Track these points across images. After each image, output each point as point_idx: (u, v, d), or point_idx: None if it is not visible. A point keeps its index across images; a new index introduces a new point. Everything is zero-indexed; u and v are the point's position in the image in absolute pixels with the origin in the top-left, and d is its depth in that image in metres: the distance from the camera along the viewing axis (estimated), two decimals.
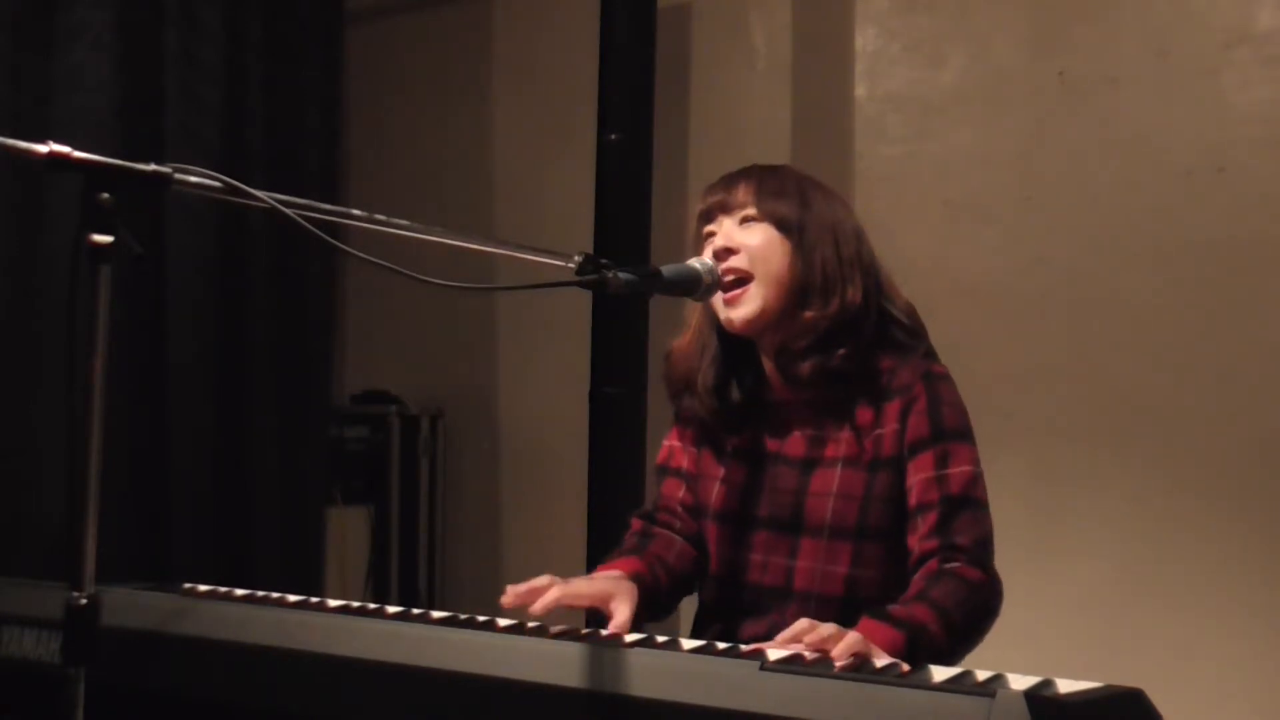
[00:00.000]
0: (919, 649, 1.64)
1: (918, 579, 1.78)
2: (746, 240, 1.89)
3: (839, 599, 1.85)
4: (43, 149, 1.40)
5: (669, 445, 2.10)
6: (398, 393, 4.54)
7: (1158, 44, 3.39)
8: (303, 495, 4.12)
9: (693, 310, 2.03)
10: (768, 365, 1.97)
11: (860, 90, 3.81)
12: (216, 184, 1.54)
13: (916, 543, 1.82)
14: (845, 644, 1.50)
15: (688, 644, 1.60)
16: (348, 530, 4.35)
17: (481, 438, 4.55)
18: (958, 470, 1.82)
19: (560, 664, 1.49)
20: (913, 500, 1.83)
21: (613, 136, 3.72)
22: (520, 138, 4.53)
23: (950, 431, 1.85)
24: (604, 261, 1.72)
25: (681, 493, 2.05)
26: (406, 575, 4.43)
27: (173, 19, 3.76)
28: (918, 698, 1.28)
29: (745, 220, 1.91)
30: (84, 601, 1.39)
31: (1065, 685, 1.33)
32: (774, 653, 1.50)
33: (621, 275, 1.68)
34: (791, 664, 1.43)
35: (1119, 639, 3.33)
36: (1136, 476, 3.37)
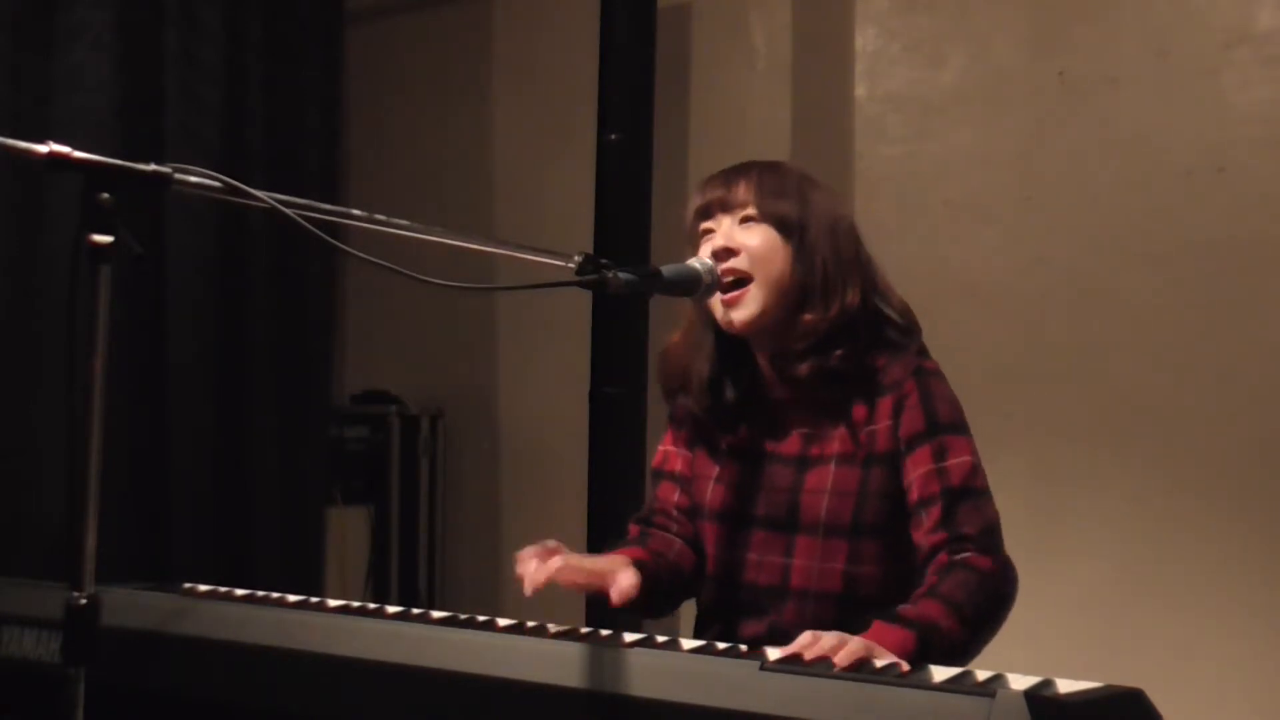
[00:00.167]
0: (932, 646, 1.63)
1: (929, 575, 1.77)
2: (746, 241, 1.89)
3: (836, 595, 1.85)
4: (43, 149, 1.40)
5: (663, 450, 2.10)
6: (398, 393, 4.54)
7: (1158, 44, 3.39)
8: (303, 495, 4.12)
9: (686, 307, 2.03)
10: (763, 364, 1.96)
11: (860, 90, 3.81)
12: (216, 184, 1.54)
13: (923, 537, 1.80)
14: (847, 652, 1.49)
15: (688, 644, 1.60)
16: (348, 530, 4.35)
17: (481, 438, 4.55)
18: (956, 462, 1.82)
19: (560, 664, 1.49)
20: (914, 496, 1.82)
21: (613, 136, 3.72)
22: (520, 138, 4.53)
23: (945, 424, 1.84)
24: (604, 261, 1.72)
25: (676, 496, 2.05)
26: (406, 575, 4.43)
27: (173, 19, 3.76)
28: (918, 698, 1.28)
29: (745, 220, 1.90)
30: (84, 601, 1.39)
31: (1065, 685, 1.33)
32: (774, 652, 1.50)
33: (621, 275, 1.68)
34: (791, 664, 1.43)
35: (1119, 639, 3.33)
36: (1136, 476, 3.37)
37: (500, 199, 4.56)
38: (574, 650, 1.50)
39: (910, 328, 1.95)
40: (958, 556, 1.76)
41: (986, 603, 1.72)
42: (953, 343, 3.53)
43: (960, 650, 1.68)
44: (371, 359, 4.77)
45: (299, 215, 1.59)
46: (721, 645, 1.59)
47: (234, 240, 3.93)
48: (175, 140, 3.73)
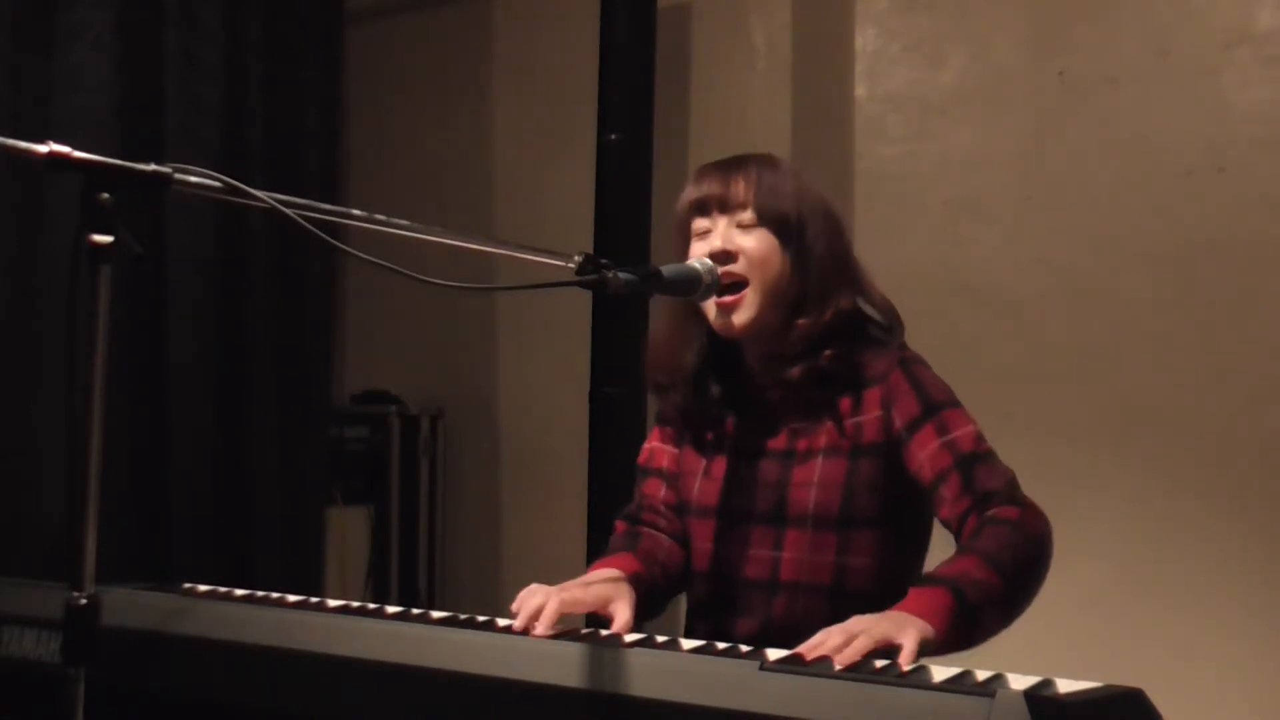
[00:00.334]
0: (968, 599, 1.61)
1: (964, 539, 1.76)
2: (745, 245, 1.88)
3: (827, 588, 1.85)
4: (43, 149, 1.40)
5: (649, 446, 2.10)
6: (398, 393, 4.54)
7: (1158, 44, 3.39)
8: (303, 495, 4.12)
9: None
10: (752, 364, 1.96)
11: (860, 90, 3.81)
12: (216, 184, 1.54)
13: (949, 510, 1.79)
14: (855, 648, 1.48)
15: (687, 644, 1.60)
16: (348, 530, 4.35)
17: (481, 438, 4.55)
18: (961, 433, 1.82)
19: (560, 664, 1.49)
20: (927, 475, 1.81)
21: (613, 136, 3.72)
22: (520, 138, 4.53)
23: (940, 402, 1.85)
24: (604, 261, 1.72)
25: (663, 492, 2.05)
26: (406, 575, 4.43)
27: (173, 19, 3.76)
28: (918, 697, 1.28)
29: (743, 223, 1.90)
30: (84, 601, 1.39)
31: (1065, 685, 1.33)
32: (773, 652, 1.50)
33: (621, 275, 1.68)
34: (791, 664, 1.43)
35: (1119, 639, 3.33)
36: (1136, 476, 3.37)
37: (500, 199, 4.56)
38: (574, 650, 1.50)
39: (893, 324, 1.96)
40: (987, 514, 1.75)
41: (1023, 548, 1.72)
42: (953, 343, 3.55)
43: (1005, 601, 1.67)
44: (371, 359, 4.77)
45: (299, 215, 1.59)
46: (721, 645, 1.59)
47: (234, 240, 3.93)
48: (175, 140, 3.73)
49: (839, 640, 1.50)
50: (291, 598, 1.92)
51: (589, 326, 3.73)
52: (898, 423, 1.84)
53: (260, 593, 1.99)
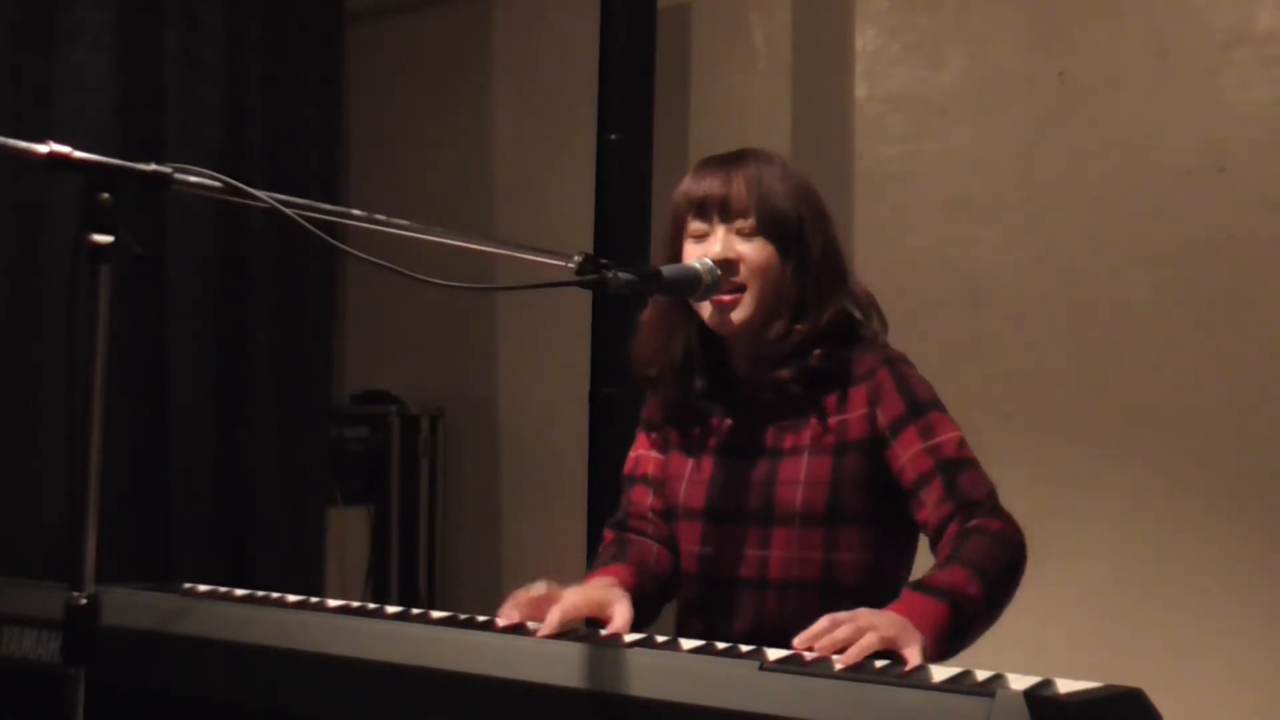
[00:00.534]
0: (963, 616, 1.63)
1: (944, 545, 1.77)
2: (745, 253, 1.88)
3: (817, 584, 1.85)
4: (43, 149, 1.40)
5: (634, 454, 2.10)
6: (398, 393, 4.54)
7: (1158, 44, 3.39)
8: (303, 495, 4.11)
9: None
10: (740, 363, 1.97)
11: (860, 90, 3.81)
12: (216, 184, 1.55)
13: (930, 514, 1.80)
14: (859, 648, 1.48)
15: (687, 644, 1.60)
16: (348, 530, 4.35)
17: (481, 438, 4.55)
18: (945, 437, 1.83)
19: (560, 664, 1.49)
20: (909, 477, 1.82)
21: (613, 136, 3.72)
22: (520, 138, 4.53)
23: (925, 403, 1.85)
24: (604, 261, 1.72)
25: (650, 499, 2.05)
26: (406, 575, 4.43)
27: (173, 19, 3.76)
28: (918, 698, 1.28)
29: (743, 231, 1.89)
30: (84, 601, 1.39)
31: (1065, 685, 1.33)
32: (773, 652, 1.50)
33: (621, 275, 1.68)
34: (791, 664, 1.43)
35: (1119, 639, 3.33)
36: (1136, 476, 3.37)
37: (500, 199, 4.56)
38: (574, 650, 1.50)
39: (873, 318, 1.96)
40: (970, 523, 1.76)
41: (1006, 564, 1.73)
42: (953, 343, 3.56)
43: (986, 615, 1.69)
44: (371, 359, 4.77)
45: (299, 215, 1.59)
46: (721, 645, 1.59)
47: (234, 240, 3.93)
48: (175, 140, 3.73)
49: (847, 633, 1.50)
50: (291, 598, 1.92)
51: (589, 326, 3.73)
52: (881, 420, 1.85)
53: (260, 593, 1.99)
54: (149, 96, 3.71)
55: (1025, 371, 3.52)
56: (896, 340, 1.98)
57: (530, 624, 1.67)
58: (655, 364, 2.01)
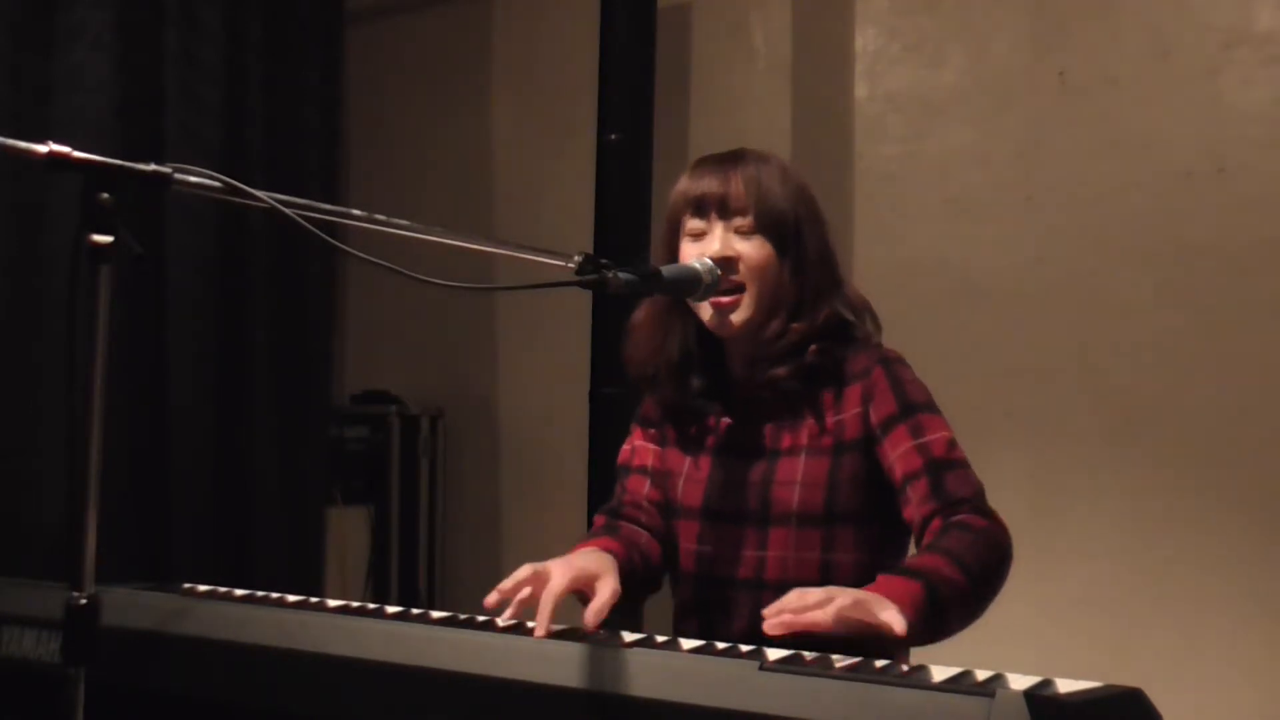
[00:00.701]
0: (939, 596, 1.63)
1: (926, 539, 1.77)
2: (744, 252, 1.89)
3: (814, 584, 1.84)
4: (43, 149, 1.40)
5: (630, 446, 2.09)
6: (398, 393, 4.54)
7: (1158, 44, 3.39)
8: (303, 495, 4.12)
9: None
10: (737, 363, 1.97)
11: (860, 90, 3.81)
12: (216, 184, 1.55)
13: (914, 511, 1.81)
14: (835, 605, 1.49)
15: (687, 644, 1.60)
16: (348, 530, 4.35)
17: (481, 438, 4.55)
18: (935, 437, 1.83)
19: (560, 664, 1.49)
20: (897, 474, 1.83)
21: (613, 136, 3.72)
22: (520, 138, 4.53)
23: (917, 404, 1.86)
24: (604, 261, 1.72)
25: (647, 488, 2.05)
26: (406, 575, 4.43)
27: (173, 19, 3.76)
28: (918, 697, 1.28)
29: (741, 229, 1.90)
30: (84, 601, 1.39)
31: (1065, 685, 1.33)
32: (773, 652, 1.50)
33: (621, 275, 1.68)
34: (791, 664, 1.43)
35: (1119, 638, 3.33)
36: (1136, 476, 3.37)
37: (500, 199, 4.56)
38: (574, 650, 1.50)
39: (866, 319, 1.97)
40: (953, 519, 1.76)
41: (987, 556, 1.72)
42: (953, 342, 3.56)
43: (968, 603, 1.68)
44: (371, 359, 4.77)
45: (299, 215, 1.59)
46: (721, 645, 1.59)
47: (234, 240, 3.93)
48: (175, 140, 3.73)
49: (819, 597, 1.52)
50: (291, 598, 1.92)
51: (589, 326, 3.73)
52: (874, 418, 1.86)
53: (260, 593, 1.99)
54: (149, 96, 3.71)
55: (1025, 371, 3.52)
56: (896, 340, 1.98)
57: (530, 623, 1.67)
58: (652, 364, 2.01)
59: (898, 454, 1.83)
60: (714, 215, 1.91)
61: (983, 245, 3.60)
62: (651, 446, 2.06)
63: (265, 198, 1.56)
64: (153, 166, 1.47)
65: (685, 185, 1.95)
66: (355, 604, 1.88)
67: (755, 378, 1.94)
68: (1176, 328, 3.34)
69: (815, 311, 1.90)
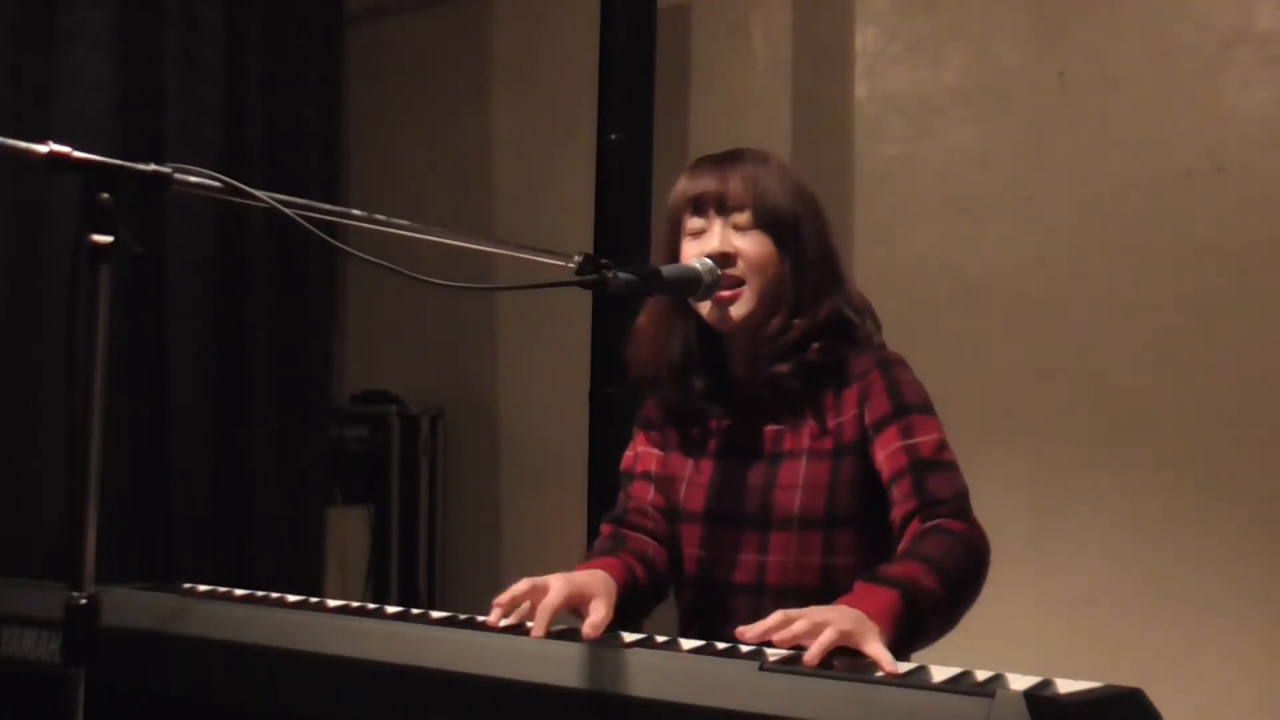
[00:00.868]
0: (917, 605, 1.62)
1: (904, 541, 1.77)
2: (742, 247, 1.89)
3: (815, 589, 1.84)
4: (43, 149, 1.40)
5: (632, 452, 2.09)
6: (398, 393, 4.54)
7: (1158, 44, 3.39)
8: (303, 495, 4.11)
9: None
10: (738, 361, 1.97)
11: (860, 90, 3.81)
12: (216, 184, 1.55)
13: (895, 510, 1.81)
14: (819, 645, 1.46)
15: (687, 644, 1.60)
16: (348, 530, 4.35)
17: (481, 438, 4.55)
18: (924, 438, 1.82)
19: (560, 664, 1.49)
20: (885, 474, 1.83)
21: (613, 136, 3.72)
22: (520, 138, 4.53)
23: (911, 406, 1.85)
24: (604, 261, 1.72)
25: (651, 494, 2.04)
26: (406, 575, 4.43)
27: (173, 19, 3.76)
28: (917, 698, 1.28)
29: (740, 225, 1.90)
30: (84, 601, 1.39)
31: (1065, 685, 1.33)
32: (773, 652, 1.50)
33: (621, 275, 1.68)
34: (791, 664, 1.43)
35: (1119, 639, 3.33)
36: (1136, 476, 3.37)
37: (500, 199, 4.56)
38: (574, 650, 1.50)
39: (867, 321, 1.96)
40: (930, 522, 1.76)
41: (964, 562, 1.71)
42: (953, 342, 3.56)
43: (945, 611, 1.67)
44: (371, 359, 4.77)
45: (299, 215, 1.59)
46: (721, 645, 1.59)
47: (234, 240, 3.93)
48: (175, 140, 3.73)
49: (804, 628, 1.49)
50: (291, 598, 1.92)
51: (589, 326, 3.73)
52: (868, 418, 1.86)
53: (260, 593, 1.99)
54: (149, 96, 3.71)
55: (1025, 371, 3.52)
56: (896, 339, 1.98)
57: (527, 624, 1.67)
58: (653, 366, 2.00)
59: (886, 454, 1.83)
60: (712, 212, 1.91)
61: (983, 245, 3.60)
62: (654, 451, 2.06)
63: (265, 198, 1.56)
64: (153, 166, 1.48)
65: (684, 185, 1.96)
66: (355, 604, 1.88)
67: (757, 376, 1.93)
68: (1176, 328, 3.34)
69: (816, 308, 1.90)
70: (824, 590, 1.84)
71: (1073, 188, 3.49)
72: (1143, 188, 3.39)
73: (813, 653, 1.45)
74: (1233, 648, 3.21)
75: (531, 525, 4.39)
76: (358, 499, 4.40)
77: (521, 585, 1.69)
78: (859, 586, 1.65)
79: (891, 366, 1.89)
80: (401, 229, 1.74)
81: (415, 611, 1.81)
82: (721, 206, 1.91)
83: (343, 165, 4.60)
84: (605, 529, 2.06)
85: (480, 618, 1.71)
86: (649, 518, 2.03)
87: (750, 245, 1.89)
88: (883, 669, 1.44)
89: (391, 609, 1.83)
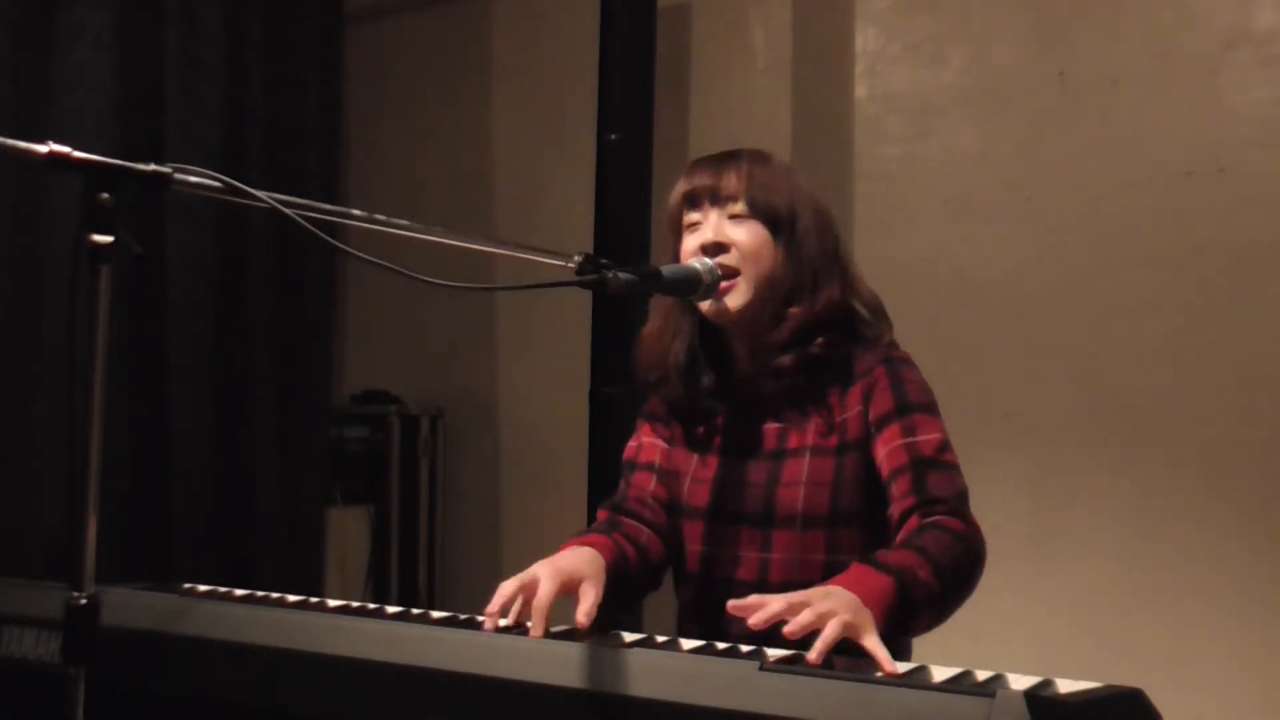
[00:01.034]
0: (910, 595, 1.62)
1: (901, 534, 1.77)
2: (736, 237, 1.89)
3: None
4: (43, 149, 1.40)
5: (636, 442, 2.09)
6: (398, 393, 4.54)
7: (1158, 44, 3.39)
8: (303, 495, 4.12)
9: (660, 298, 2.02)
10: (741, 356, 1.97)
11: (860, 90, 3.81)
12: (216, 184, 1.54)
13: (894, 507, 1.81)
14: (823, 642, 1.47)
15: (687, 644, 1.60)
16: (348, 530, 4.35)
17: (481, 438, 4.55)
18: (926, 437, 1.82)
19: (560, 664, 1.49)
20: (885, 471, 1.83)
21: (613, 136, 3.72)
22: (520, 138, 4.53)
23: (915, 405, 1.85)
24: (604, 261, 1.72)
25: (653, 485, 2.04)
26: (406, 575, 4.43)
27: (173, 19, 3.76)
28: (918, 698, 1.28)
29: (735, 215, 1.90)
30: (84, 601, 1.39)
31: (1065, 685, 1.33)
32: (773, 652, 1.50)
33: (621, 275, 1.68)
34: (791, 664, 1.43)
35: (1119, 639, 3.33)
36: (1137, 476, 3.37)
37: (500, 199, 4.56)
38: (574, 650, 1.50)
39: (880, 321, 1.96)
40: (929, 519, 1.76)
41: (961, 560, 1.71)
42: (953, 342, 3.56)
43: (937, 605, 1.68)
44: (371, 359, 4.77)
45: (299, 215, 1.59)
46: (721, 645, 1.59)
47: (234, 240, 3.93)
48: (175, 140, 3.73)
49: (810, 619, 1.49)
50: (291, 598, 1.92)
51: (589, 326, 3.73)
52: (871, 415, 1.86)
53: (260, 593, 1.99)
54: (149, 96, 3.71)
55: (1025, 371, 3.52)
56: (896, 339, 1.98)
57: (527, 623, 1.67)
58: (659, 366, 2.01)
59: (887, 451, 1.83)
60: (707, 204, 1.92)
61: (983, 245, 3.60)
62: (659, 443, 2.06)
63: (265, 198, 1.56)
64: (153, 166, 1.47)
65: (681, 184, 1.97)
66: (355, 604, 1.88)
67: (759, 369, 1.93)
68: (1176, 328, 3.34)
69: (814, 297, 1.90)
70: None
71: (1073, 188, 3.49)
72: (1143, 187, 3.39)
73: (817, 650, 1.46)
74: (1233, 648, 3.21)
75: (531, 525, 4.39)
76: (358, 499, 4.40)
77: (509, 587, 1.69)
78: (856, 568, 1.65)
79: (898, 365, 1.89)
80: (401, 229, 1.73)
81: (415, 611, 1.81)
82: (715, 198, 1.92)
83: (343, 165, 4.60)
84: (602, 514, 2.06)
85: (480, 618, 1.71)
86: (648, 507, 2.03)
87: (744, 234, 1.89)
88: (882, 668, 1.45)
89: (391, 609, 1.83)
